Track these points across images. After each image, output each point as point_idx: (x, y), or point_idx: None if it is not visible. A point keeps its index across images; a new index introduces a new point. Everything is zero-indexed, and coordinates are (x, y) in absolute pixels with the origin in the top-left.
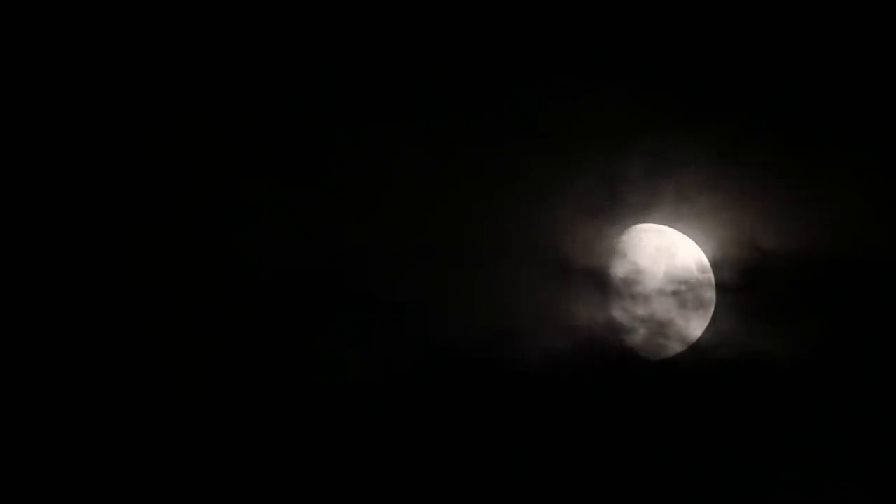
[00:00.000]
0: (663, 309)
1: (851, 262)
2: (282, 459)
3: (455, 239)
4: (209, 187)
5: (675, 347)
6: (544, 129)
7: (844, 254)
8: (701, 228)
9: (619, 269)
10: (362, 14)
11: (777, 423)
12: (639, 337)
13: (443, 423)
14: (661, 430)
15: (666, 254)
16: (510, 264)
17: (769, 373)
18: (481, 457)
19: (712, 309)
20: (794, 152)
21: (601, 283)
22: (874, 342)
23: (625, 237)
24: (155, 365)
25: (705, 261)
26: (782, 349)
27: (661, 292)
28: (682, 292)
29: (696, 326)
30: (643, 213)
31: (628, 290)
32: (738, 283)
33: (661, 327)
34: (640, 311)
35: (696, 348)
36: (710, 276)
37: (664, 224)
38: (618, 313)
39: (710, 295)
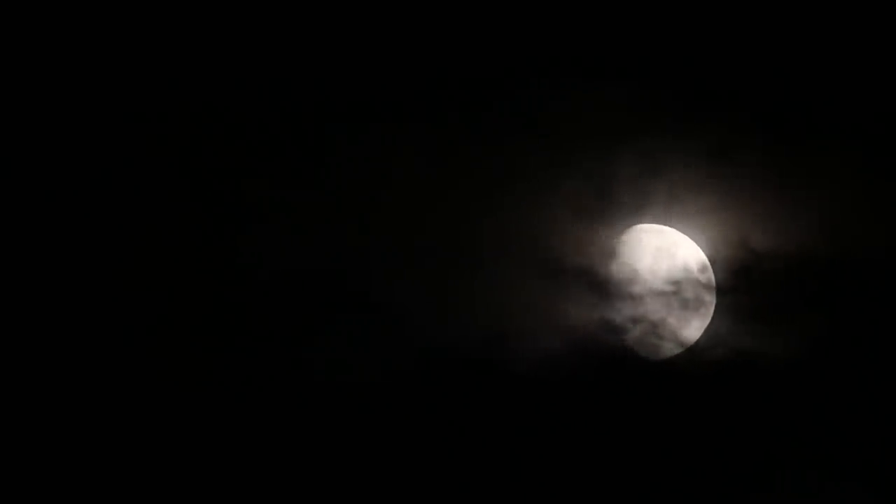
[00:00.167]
0: (662, 309)
1: (845, 261)
2: (280, 459)
3: (452, 240)
4: (209, 188)
5: (674, 347)
6: (541, 130)
7: (838, 253)
8: (700, 229)
9: (617, 270)
10: (361, 15)
11: (772, 422)
12: (637, 337)
13: (439, 423)
14: (657, 430)
15: (665, 254)
16: (507, 265)
17: (765, 372)
18: (478, 456)
19: (712, 309)
20: (788, 152)
21: (599, 284)
22: (870, 341)
23: (624, 238)
24: (154, 364)
25: (704, 261)
26: (778, 349)
27: (659, 293)
28: (681, 293)
29: (693, 326)
30: (642, 213)
31: (626, 290)
32: (735, 284)
33: (659, 327)
34: (639, 311)
35: (694, 348)
36: (709, 276)
37: (664, 224)
38: (615, 314)
39: (709, 295)
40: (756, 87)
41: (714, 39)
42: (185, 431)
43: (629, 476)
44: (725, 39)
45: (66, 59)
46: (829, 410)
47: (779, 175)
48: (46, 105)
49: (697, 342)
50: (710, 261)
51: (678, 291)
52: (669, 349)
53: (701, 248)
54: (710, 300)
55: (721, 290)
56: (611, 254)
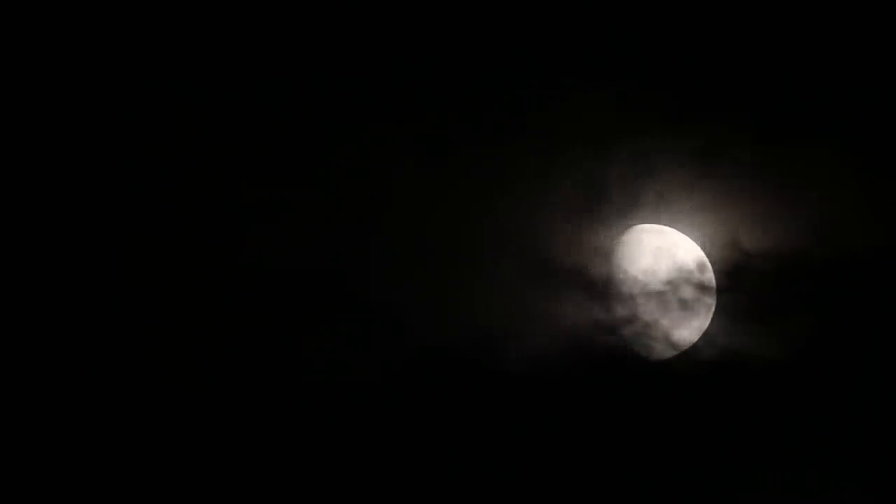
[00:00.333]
0: (658, 310)
1: (838, 261)
2: (276, 458)
3: (449, 240)
4: (207, 188)
5: (670, 348)
6: (537, 131)
7: (832, 253)
8: (699, 229)
9: (614, 271)
10: (359, 16)
11: (766, 422)
12: (633, 337)
13: (436, 423)
14: (652, 430)
15: (663, 254)
16: (504, 266)
17: (759, 373)
18: (474, 456)
19: (709, 309)
20: (781, 152)
21: (596, 285)
22: (863, 341)
23: (623, 238)
24: (152, 364)
25: (702, 261)
26: (772, 349)
27: (656, 293)
28: (678, 293)
29: (690, 327)
30: (640, 213)
31: (623, 291)
32: (730, 284)
33: (655, 328)
34: (635, 311)
35: (691, 348)
36: (706, 276)
37: (664, 224)
38: (612, 314)
39: (706, 295)
40: (750, 87)
41: (708, 39)
42: (183, 431)
43: (624, 476)
44: (720, 39)
45: (64, 61)
46: (822, 410)
47: (772, 175)
48: (44, 107)
49: (693, 342)
50: (708, 261)
51: (675, 292)
52: (666, 350)
53: (700, 248)
54: (707, 300)
55: (717, 291)
56: (607, 254)
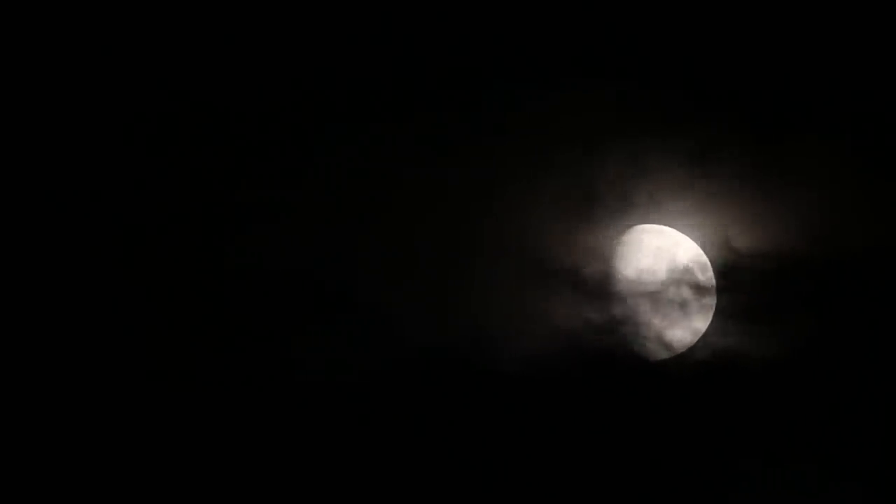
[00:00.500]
0: (654, 310)
1: (833, 261)
2: (270, 458)
3: (442, 241)
4: (203, 189)
5: (666, 348)
6: (531, 131)
7: (826, 253)
8: (698, 229)
9: (611, 271)
10: (354, 17)
11: (760, 422)
12: (628, 337)
13: (428, 423)
14: (647, 430)
15: (661, 255)
16: (498, 266)
17: (756, 372)
18: (467, 456)
19: (707, 309)
20: (776, 153)
21: (591, 285)
22: (858, 341)
23: (623, 238)
24: (144, 364)
25: (700, 262)
26: (766, 349)
27: (656, 294)
28: (674, 294)
29: (686, 327)
30: (636, 213)
31: (622, 291)
32: (725, 285)
33: (656, 328)
34: (634, 312)
35: (686, 348)
36: (705, 277)
37: (663, 225)
38: (610, 314)
39: (706, 296)
40: (749, 87)
41: (706, 39)
42: (177, 430)
43: (621, 476)
44: (717, 39)
45: (57, 62)
46: (818, 410)
47: (767, 176)
48: (37, 107)
49: (691, 342)
50: (707, 262)
51: (673, 293)
52: (664, 350)
53: (700, 249)
54: (705, 301)
55: (711, 291)
56: (605, 255)
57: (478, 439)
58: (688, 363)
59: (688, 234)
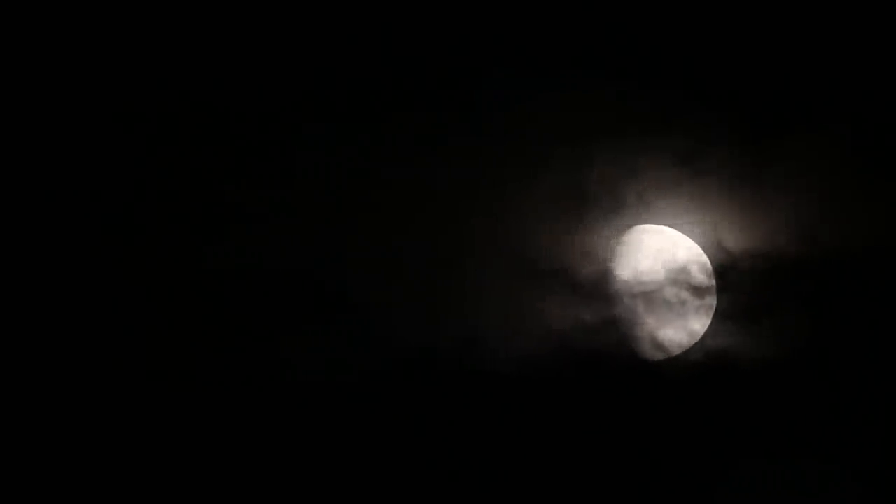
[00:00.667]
0: (657, 311)
1: (827, 261)
2: (263, 459)
3: (434, 241)
4: (194, 189)
5: (669, 348)
6: (526, 132)
7: (818, 253)
8: (698, 230)
9: (613, 272)
10: (341, 16)
11: (759, 420)
12: (630, 338)
13: (420, 424)
14: (642, 430)
15: (663, 256)
16: (490, 267)
17: (751, 372)
18: (458, 457)
19: (710, 310)
20: (767, 153)
21: (594, 286)
22: (854, 339)
23: (622, 239)
24: (136, 364)
25: (702, 262)
26: (763, 349)
27: (655, 294)
28: (678, 295)
29: (689, 328)
30: (628, 214)
31: (622, 292)
32: (727, 284)
33: (655, 328)
34: (633, 312)
35: (690, 348)
36: (704, 278)
37: (662, 225)
38: (608, 315)
39: (706, 296)
40: (747, 87)
41: (703, 39)
42: (172, 431)
43: (614, 476)
44: (714, 39)
45: (42, 63)
46: (811, 409)
47: (758, 176)
48: (28, 108)
49: (690, 342)
50: (700, 262)
51: (667, 293)
52: (662, 350)
53: (699, 249)
54: (705, 301)
55: (706, 292)
56: (602, 255)
57: (473, 440)
58: (682, 364)
59: (682, 236)
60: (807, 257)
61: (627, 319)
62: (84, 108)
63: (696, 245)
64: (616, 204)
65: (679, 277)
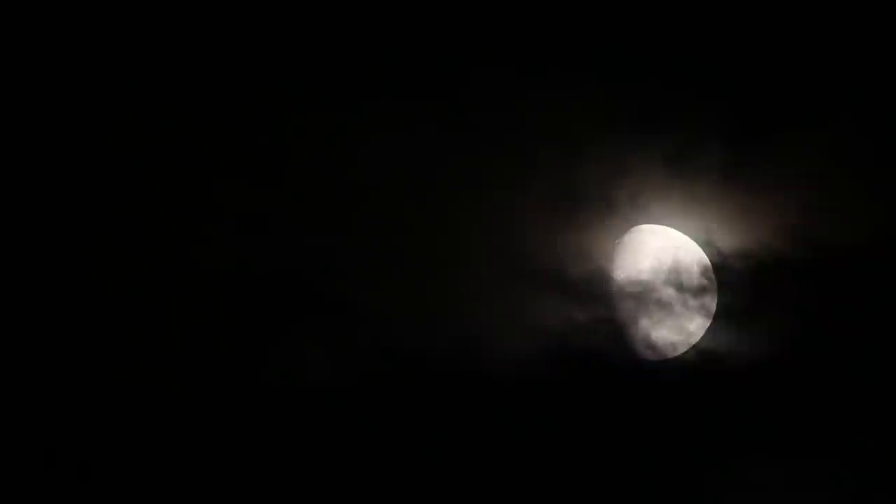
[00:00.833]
0: (656, 311)
1: (817, 261)
2: (251, 459)
3: (427, 242)
4: (185, 191)
5: (667, 349)
6: (521, 131)
7: (812, 253)
8: (697, 230)
9: (610, 272)
10: (333, 16)
11: (746, 420)
12: (612, 338)
13: (412, 425)
14: (635, 431)
15: (655, 256)
16: (483, 267)
17: (742, 372)
18: (451, 457)
19: (710, 311)
20: (757, 153)
21: (593, 287)
22: (847, 339)
23: (622, 239)
24: (128, 367)
25: (703, 262)
26: (756, 348)
27: (654, 294)
28: (678, 295)
29: (686, 328)
30: (628, 214)
31: (621, 292)
32: (723, 285)
33: (654, 329)
34: (615, 313)
35: (686, 348)
36: (704, 278)
37: (652, 224)
38: (605, 316)
39: (697, 296)
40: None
41: (701, 39)
42: (161, 432)
43: (606, 476)
44: (711, 39)
45: (33, 65)
46: (803, 409)
47: (746, 177)
48: (10, 109)
49: (676, 342)
50: (693, 263)
51: (660, 293)
52: (650, 351)
53: (688, 250)
54: (692, 301)
55: (701, 292)
56: (591, 256)
57: (466, 441)
58: (675, 364)
59: (675, 236)
60: (798, 257)
61: (620, 319)
62: (74, 110)
63: (688, 245)
64: (608, 204)
65: (671, 277)
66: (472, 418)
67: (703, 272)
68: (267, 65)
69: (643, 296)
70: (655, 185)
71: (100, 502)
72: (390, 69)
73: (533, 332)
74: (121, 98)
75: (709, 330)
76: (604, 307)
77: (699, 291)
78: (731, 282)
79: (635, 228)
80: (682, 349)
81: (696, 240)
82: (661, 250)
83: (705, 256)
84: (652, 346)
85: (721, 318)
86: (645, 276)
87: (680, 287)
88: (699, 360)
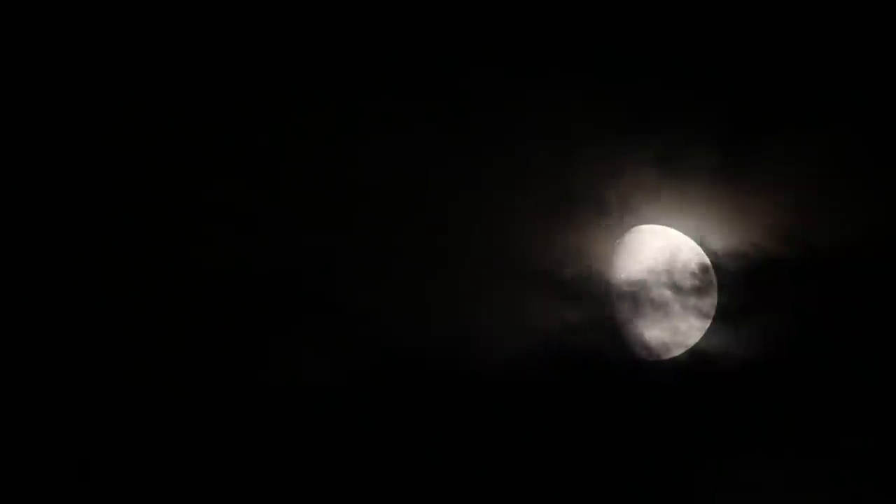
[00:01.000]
0: (632, 311)
1: (809, 260)
2: (242, 459)
3: (421, 243)
4: (180, 190)
5: (653, 349)
6: (515, 132)
7: (803, 253)
8: (685, 230)
9: (601, 273)
10: (328, 16)
11: (741, 420)
12: (605, 339)
13: (405, 425)
14: (629, 431)
15: (649, 256)
16: (476, 267)
17: (735, 372)
18: (443, 458)
19: (698, 310)
20: (748, 153)
21: (584, 286)
22: (837, 339)
23: (622, 240)
24: (122, 366)
25: (703, 263)
26: (746, 349)
27: (640, 295)
28: (678, 296)
29: (664, 328)
30: (627, 214)
31: (621, 292)
32: (720, 284)
33: (638, 329)
34: (607, 313)
35: (675, 347)
36: (692, 277)
37: (649, 224)
38: (583, 315)
39: (694, 296)
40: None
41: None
42: (155, 432)
43: (600, 475)
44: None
45: (30, 66)
46: (795, 409)
47: (739, 177)
48: (7, 109)
49: (669, 342)
50: (688, 262)
51: (654, 293)
52: (643, 351)
53: (683, 250)
54: (686, 300)
55: (695, 292)
56: (586, 256)
57: (461, 440)
58: (668, 364)
59: (668, 236)
60: (794, 257)
61: (613, 319)
62: (74, 110)
63: (688, 245)
64: (601, 204)
65: (664, 278)
66: (471, 418)
67: (703, 272)
68: (266, 65)
69: (642, 296)
70: (655, 185)
71: (100, 502)
72: (386, 71)
73: (532, 333)
74: (120, 98)
75: (705, 330)
76: (603, 307)
77: (698, 292)
78: (728, 282)
79: (635, 228)
80: (678, 350)
81: (696, 240)
82: (661, 250)
83: (705, 256)
84: (649, 347)
85: (718, 318)
86: (644, 277)
87: (679, 288)
88: (695, 361)
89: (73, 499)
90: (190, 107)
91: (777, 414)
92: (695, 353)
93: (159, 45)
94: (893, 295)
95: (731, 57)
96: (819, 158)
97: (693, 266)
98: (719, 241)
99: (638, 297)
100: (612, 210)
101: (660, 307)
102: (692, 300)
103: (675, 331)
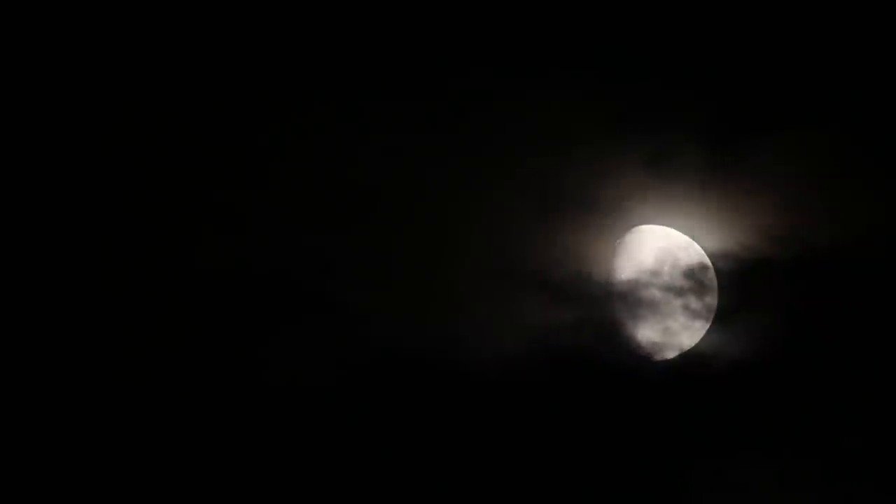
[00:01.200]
0: (625, 311)
1: (800, 260)
2: (237, 459)
3: (415, 244)
4: (174, 190)
5: (645, 349)
6: (511, 132)
7: (794, 253)
8: (698, 230)
9: (596, 273)
10: (321, 17)
11: (734, 420)
12: (597, 339)
13: (398, 425)
14: (622, 431)
15: (644, 256)
16: (468, 267)
17: (726, 373)
18: (436, 458)
19: (689, 310)
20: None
21: (576, 287)
22: (829, 339)
23: (621, 240)
24: (116, 366)
25: (682, 262)
26: (737, 349)
27: (632, 295)
28: (678, 296)
29: (656, 328)
30: (619, 215)
31: (621, 292)
32: (712, 285)
33: (630, 329)
34: (599, 312)
35: (667, 348)
36: (706, 279)
37: (642, 225)
38: (576, 315)
39: (686, 296)
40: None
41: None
42: (149, 432)
43: (592, 475)
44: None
45: (29, 66)
46: (787, 409)
47: (731, 177)
48: (7, 110)
49: (661, 343)
50: (680, 263)
51: (647, 293)
52: (636, 351)
53: (674, 250)
54: (677, 301)
55: (682, 292)
56: (578, 257)
57: (454, 440)
58: (660, 364)
59: (660, 236)
60: (789, 257)
61: (609, 320)
62: (73, 110)
63: (688, 245)
64: (594, 205)
65: (656, 278)
66: (468, 418)
67: (702, 272)
68: (266, 65)
69: (641, 296)
70: (651, 185)
71: (100, 502)
72: (380, 71)
73: (528, 333)
74: (120, 98)
75: (702, 330)
76: (599, 308)
77: (695, 292)
78: (723, 282)
79: (619, 229)
80: (675, 350)
81: (695, 240)
82: (659, 251)
83: (705, 256)
84: (636, 347)
85: (716, 318)
86: (629, 277)
87: (678, 288)
88: (691, 361)
89: (73, 499)
90: (189, 107)
91: (771, 414)
92: (689, 354)
93: (159, 46)
94: (888, 295)
95: (727, 57)
96: (814, 158)
97: (697, 266)
98: (714, 242)
99: (634, 297)
100: (608, 210)
101: (662, 308)
102: (688, 300)
103: (678, 332)
